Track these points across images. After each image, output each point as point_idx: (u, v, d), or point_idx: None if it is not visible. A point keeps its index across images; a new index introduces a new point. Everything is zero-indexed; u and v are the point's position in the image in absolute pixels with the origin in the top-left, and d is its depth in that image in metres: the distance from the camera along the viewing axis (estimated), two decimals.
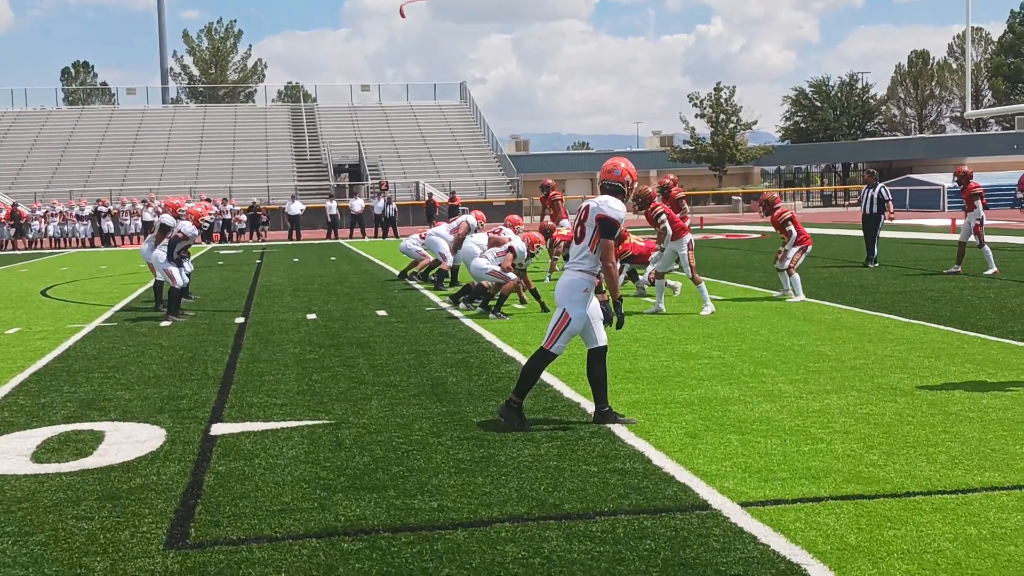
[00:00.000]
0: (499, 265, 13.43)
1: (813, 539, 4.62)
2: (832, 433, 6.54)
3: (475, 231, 16.49)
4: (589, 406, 7.42)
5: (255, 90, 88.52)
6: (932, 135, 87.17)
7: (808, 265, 19.81)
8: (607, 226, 6.80)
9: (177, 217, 14.57)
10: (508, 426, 6.81)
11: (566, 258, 15.33)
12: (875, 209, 20.29)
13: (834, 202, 76.90)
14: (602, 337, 6.92)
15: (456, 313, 13.45)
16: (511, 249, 13.50)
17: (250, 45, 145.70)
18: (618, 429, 6.74)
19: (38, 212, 42.05)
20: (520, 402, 6.90)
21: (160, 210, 39.87)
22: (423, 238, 18.67)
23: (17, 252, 38.27)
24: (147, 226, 42.27)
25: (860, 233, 21.05)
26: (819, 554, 4.43)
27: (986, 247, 17.44)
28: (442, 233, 17.70)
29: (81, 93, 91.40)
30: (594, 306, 6.90)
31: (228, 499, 5.47)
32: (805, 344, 10.10)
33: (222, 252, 33.71)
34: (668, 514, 5.02)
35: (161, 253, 14.11)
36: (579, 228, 6.99)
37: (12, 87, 75.33)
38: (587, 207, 6.97)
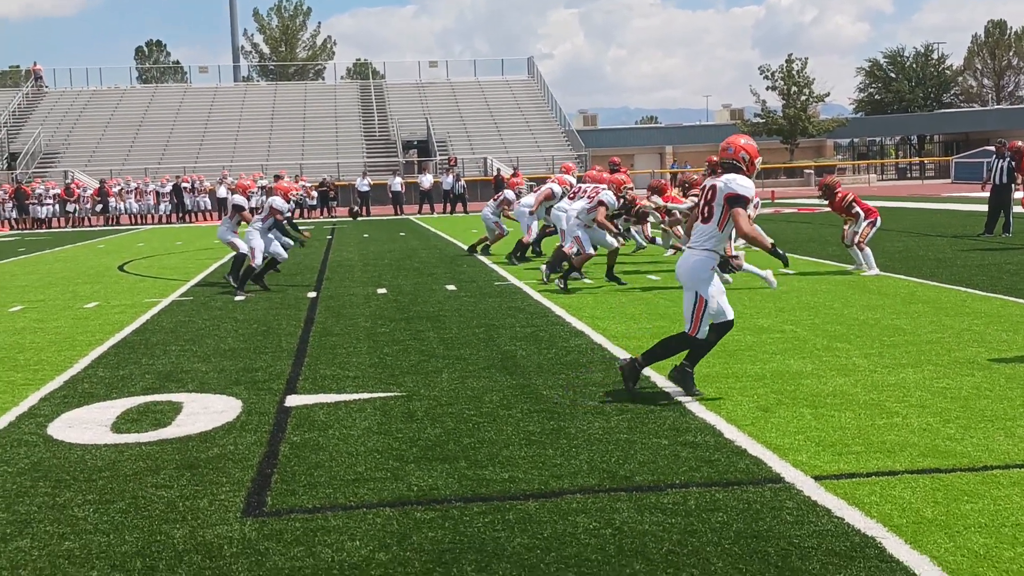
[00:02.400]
0: (594, 220, 13.32)
1: (888, 512, 4.57)
2: (908, 407, 6.46)
3: (560, 198, 16.56)
4: (659, 379, 7.41)
5: (324, 68, 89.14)
6: (1010, 106, 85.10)
7: (882, 238, 19.52)
8: (737, 202, 6.75)
9: (248, 198, 15.26)
10: (685, 391, 6.90)
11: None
12: (1005, 179, 19.87)
13: (909, 175, 75.56)
14: (729, 312, 6.88)
15: (525, 287, 13.46)
16: (601, 203, 13.43)
17: (319, 23, 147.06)
18: (689, 402, 6.72)
19: (114, 189, 42.82)
20: (692, 368, 6.98)
21: (232, 188, 40.41)
22: (507, 207, 18.83)
23: (95, 228, 39.05)
24: (221, 203, 42.97)
25: (933, 206, 20.66)
26: (894, 527, 4.39)
27: None
28: (530, 204, 17.72)
29: (155, 71, 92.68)
30: (717, 282, 6.87)
31: (303, 468, 5.55)
32: (880, 318, 9.96)
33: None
34: (740, 487, 5.00)
35: (253, 231, 14.43)
36: (706, 208, 6.93)
37: (87, 66, 76.72)
38: (713, 187, 6.90)
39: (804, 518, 4.54)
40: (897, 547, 4.18)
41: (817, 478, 5.10)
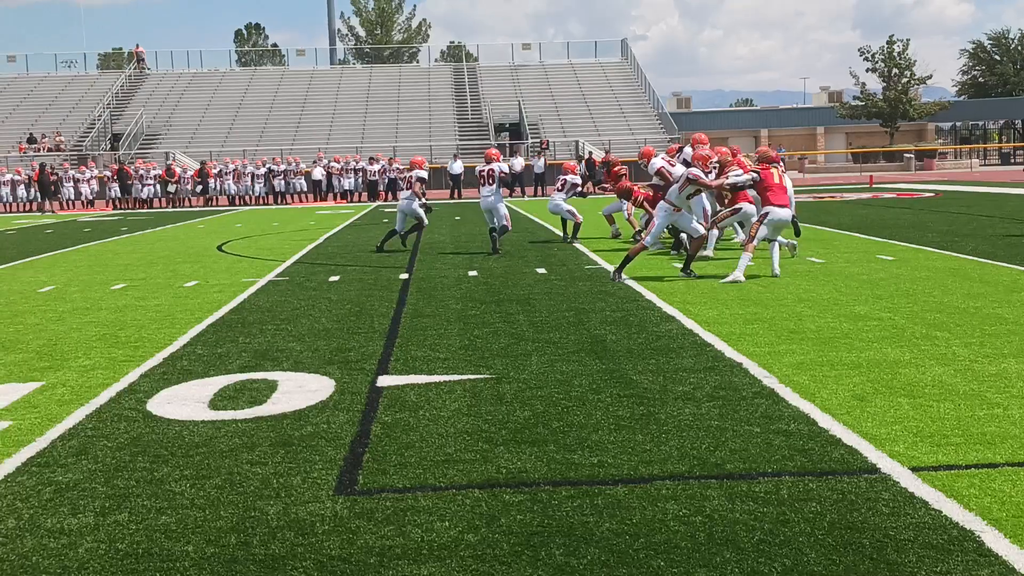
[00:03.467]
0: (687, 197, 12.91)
1: (988, 505, 4.45)
2: (1009, 398, 6.28)
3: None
4: (752, 366, 7.32)
5: (419, 50, 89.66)
6: None
7: (984, 225, 19.03)
8: None
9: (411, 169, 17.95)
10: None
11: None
12: None
13: (1013, 160, 73.41)
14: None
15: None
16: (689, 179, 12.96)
17: (415, 5, 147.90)
18: (782, 390, 6.62)
19: (214, 171, 43.67)
20: None
21: (328, 169, 40.93)
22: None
23: (195, 209, 39.91)
24: (316, 184, 43.53)
25: None
26: (994, 521, 4.27)
27: None
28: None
29: (253, 55, 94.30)
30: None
31: (394, 448, 5.61)
32: (981, 306, 9.70)
33: (387, 210, 34.38)
34: (834, 477, 4.91)
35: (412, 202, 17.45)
36: None
37: (188, 48, 78.32)
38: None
39: (900, 510, 4.44)
40: (996, 541, 4.07)
41: (914, 469, 4.98)
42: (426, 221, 17.88)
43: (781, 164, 13.78)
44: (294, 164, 44.38)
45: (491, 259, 15.80)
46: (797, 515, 4.42)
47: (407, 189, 17.78)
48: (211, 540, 4.35)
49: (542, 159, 41.85)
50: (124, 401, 6.93)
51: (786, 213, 12.51)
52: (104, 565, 4.13)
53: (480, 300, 11.22)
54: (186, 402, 6.84)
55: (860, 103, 66.29)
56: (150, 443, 5.87)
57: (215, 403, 6.79)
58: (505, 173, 17.52)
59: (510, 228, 17.31)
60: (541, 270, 13.97)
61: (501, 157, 19.17)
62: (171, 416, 6.46)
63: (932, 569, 3.83)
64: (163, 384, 7.42)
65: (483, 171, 16.90)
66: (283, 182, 43.64)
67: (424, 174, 17.71)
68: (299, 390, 7.08)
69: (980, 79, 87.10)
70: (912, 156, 61.98)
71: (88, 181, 44.08)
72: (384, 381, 7.29)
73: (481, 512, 4.58)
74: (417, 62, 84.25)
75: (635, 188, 16.96)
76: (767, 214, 12.34)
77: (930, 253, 14.65)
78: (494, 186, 16.78)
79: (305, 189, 44.08)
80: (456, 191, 42.83)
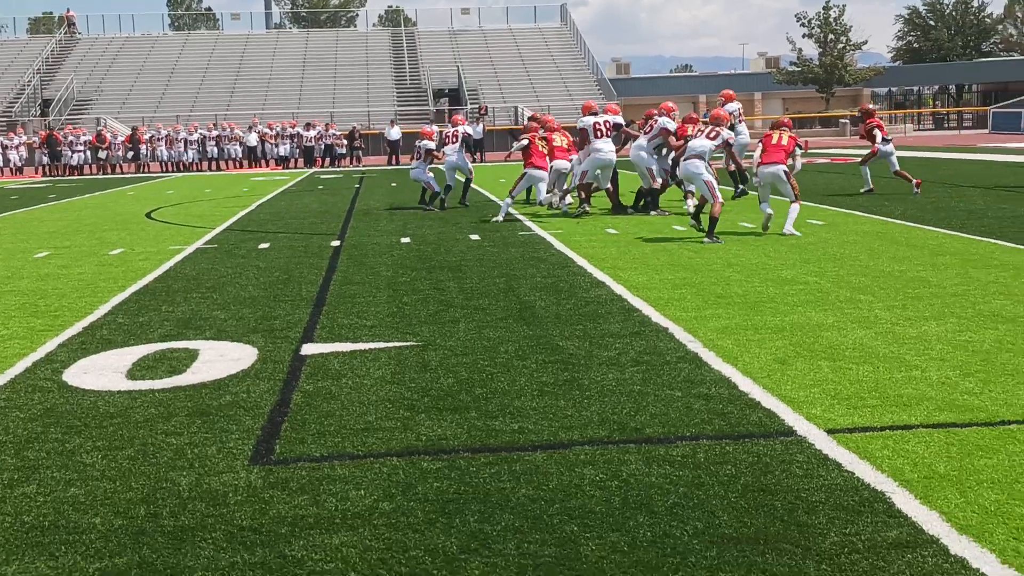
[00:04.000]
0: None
1: (900, 467, 4.50)
2: (928, 360, 6.36)
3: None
4: (678, 331, 7.34)
5: (356, 15, 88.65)
6: None
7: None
8: None
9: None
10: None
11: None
12: None
13: (947, 125, 74.49)
14: None
15: (549, 237, 13.39)
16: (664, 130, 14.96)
17: None
18: (705, 355, 6.65)
19: (145, 136, 42.91)
20: None
21: (263, 135, 40.41)
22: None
23: (126, 176, 39.21)
24: (251, 151, 42.95)
25: (970, 157, 20.34)
26: (905, 482, 4.31)
27: None
28: (644, 146, 16.00)
29: (187, 19, 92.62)
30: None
31: (314, 417, 5.54)
32: (906, 270, 9.82)
33: (323, 177, 34.06)
34: (751, 440, 4.94)
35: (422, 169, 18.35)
36: None
37: (120, 12, 76.70)
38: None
39: (814, 472, 4.48)
40: (906, 502, 4.11)
41: (830, 431, 5.02)
42: (436, 187, 18.51)
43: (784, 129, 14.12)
44: (228, 130, 43.74)
45: (425, 226, 15.70)
46: (712, 478, 4.44)
47: (416, 159, 18.63)
48: (120, 512, 4.27)
49: (480, 125, 41.61)
50: (40, 371, 6.78)
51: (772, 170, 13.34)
52: (8, 538, 4.03)
53: (411, 267, 11.14)
54: (103, 372, 6.70)
55: (796, 69, 66.68)
56: (63, 414, 5.75)
57: (133, 373, 6.67)
58: (469, 135, 19.22)
59: (472, 178, 19.64)
60: (475, 236, 13.91)
61: (466, 123, 21.38)
62: (87, 386, 6.33)
63: (841, 531, 3.86)
64: (81, 354, 7.27)
65: (449, 133, 18.78)
66: (217, 148, 43.01)
67: (432, 144, 18.48)
68: (220, 359, 6.97)
69: (915, 45, 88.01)
70: (847, 121, 62.58)
71: (17, 148, 43.08)
72: (308, 349, 7.21)
73: (398, 480, 4.54)
74: (355, 26, 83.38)
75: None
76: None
77: (859, 217, 14.80)
78: (457, 144, 18.52)
79: (240, 156, 43.48)
80: (394, 157, 42.49)
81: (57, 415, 5.73)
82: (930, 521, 3.93)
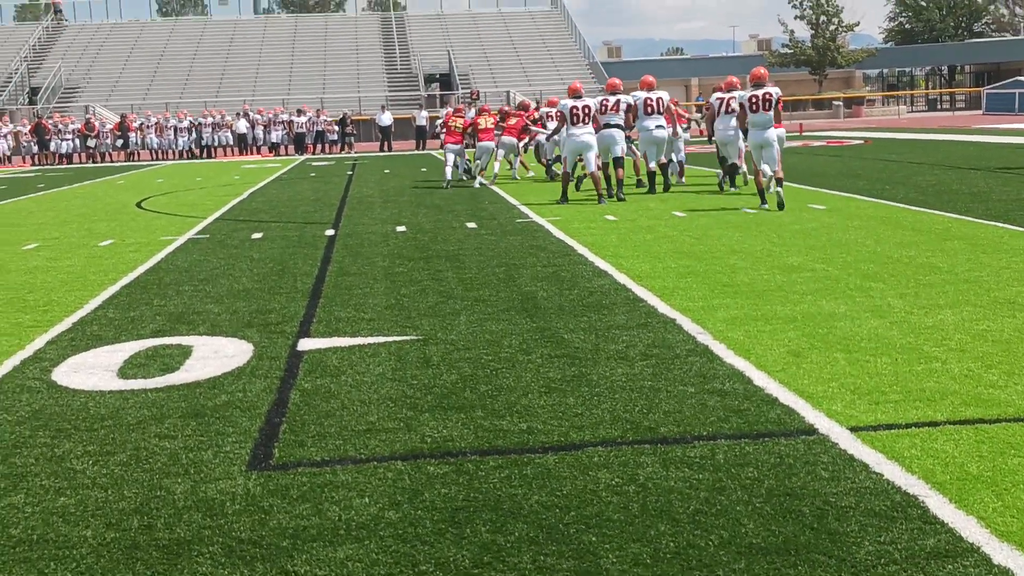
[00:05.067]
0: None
1: (931, 468, 4.28)
2: (947, 351, 6.14)
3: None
4: (686, 322, 7.13)
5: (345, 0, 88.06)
6: None
7: (914, 172, 19.08)
8: None
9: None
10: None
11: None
12: None
13: (939, 106, 74.30)
14: None
15: (548, 225, 13.16)
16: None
17: None
18: (717, 347, 6.43)
19: (135, 124, 42.53)
20: None
21: (257, 121, 40.14)
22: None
23: (115, 164, 38.85)
24: (241, 138, 42.57)
25: (965, 138, 20.15)
26: (937, 484, 4.10)
27: None
28: (732, 125, 15.85)
29: (174, 4, 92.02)
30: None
31: (313, 418, 5.32)
32: (915, 256, 9.61)
33: (315, 164, 33.76)
34: (772, 439, 4.72)
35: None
36: None
37: None
38: None
39: (840, 474, 4.26)
40: (941, 506, 3.90)
41: (853, 429, 4.81)
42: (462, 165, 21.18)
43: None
44: (218, 117, 43.37)
45: (420, 214, 15.46)
46: (734, 482, 4.23)
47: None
48: (112, 524, 4.04)
49: (472, 110, 41.29)
50: (28, 370, 6.54)
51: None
52: None
53: (408, 257, 10.91)
54: (94, 371, 6.47)
55: (788, 51, 66.44)
56: (53, 416, 5.52)
57: (124, 371, 6.43)
58: (469, 123, 20.83)
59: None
60: (471, 224, 13.67)
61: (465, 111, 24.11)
62: (77, 386, 6.10)
63: (876, 539, 3.65)
64: (71, 351, 7.04)
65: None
66: (207, 135, 42.65)
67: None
68: (214, 356, 6.74)
69: (907, 26, 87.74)
70: (840, 104, 62.35)
71: (4, 137, 42.66)
72: (305, 344, 6.98)
73: (403, 486, 4.32)
74: (344, 11, 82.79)
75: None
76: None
77: (861, 202, 14.59)
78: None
79: (231, 142, 43.13)
80: (386, 143, 42.17)
81: (46, 417, 5.50)
82: (968, 527, 3.72)
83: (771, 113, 13.93)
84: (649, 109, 16.44)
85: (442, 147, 21.80)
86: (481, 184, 19.97)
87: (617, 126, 16.09)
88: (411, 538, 3.82)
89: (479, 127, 20.38)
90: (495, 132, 20.59)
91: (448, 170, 20.12)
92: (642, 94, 16.54)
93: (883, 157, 18.86)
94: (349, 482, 4.39)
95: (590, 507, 4.04)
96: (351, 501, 4.18)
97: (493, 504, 4.10)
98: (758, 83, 14.07)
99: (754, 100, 13.97)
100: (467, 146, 21.14)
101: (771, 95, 13.94)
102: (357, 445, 4.86)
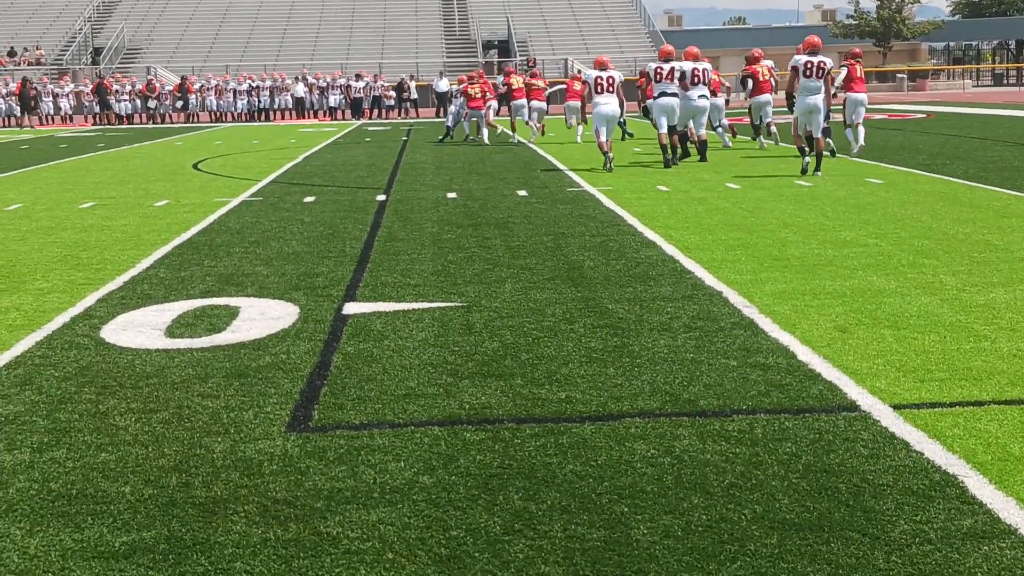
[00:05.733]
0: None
1: (972, 447, 4.22)
2: (997, 330, 6.03)
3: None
4: (732, 295, 7.06)
5: None
6: None
7: (975, 147, 18.72)
8: None
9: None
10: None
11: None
12: None
13: (1006, 81, 72.72)
14: None
15: (599, 194, 13.10)
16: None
17: None
18: (762, 321, 6.36)
19: (195, 86, 42.91)
20: None
21: (315, 85, 40.34)
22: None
23: (175, 125, 39.26)
24: (299, 102, 42.79)
25: None
26: (978, 464, 4.04)
27: None
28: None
29: None
30: None
31: (354, 381, 5.35)
32: (971, 232, 9.43)
33: (370, 128, 33.86)
34: (812, 415, 4.67)
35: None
36: None
37: None
38: None
39: (880, 452, 4.21)
40: (980, 487, 3.84)
41: (896, 407, 4.74)
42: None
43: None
44: (279, 80, 43.61)
45: (472, 180, 15.45)
46: (771, 456, 4.19)
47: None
48: (151, 480, 4.10)
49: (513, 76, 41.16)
50: (78, 327, 6.64)
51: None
52: (34, 507, 3.88)
53: (457, 224, 10.91)
54: (142, 329, 6.55)
55: (853, 22, 65.36)
56: (99, 373, 5.60)
57: (172, 330, 6.51)
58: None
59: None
60: (522, 192, 13.64)
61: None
62: (124, 344, 6.18)
63: (911, 518, 3.60)
64: (120, 309, 7.13)
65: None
66: (267, 98, 42.91)
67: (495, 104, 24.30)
68: (261, 317, 6.80)
69: None
70: (904, 76, 61.26)
71: (67, 96, 43.26)
72: (350, 308, 7.01)
73: (439, 452, 4.34)
74: None
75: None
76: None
77: (919, 176, 14.35)
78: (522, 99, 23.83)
79: (290, 106, 43.37)
80: (442, 109, 42.13)
81: (92, 374, 5.58)
82: (1007, 509, 3.66)
83: (821, 81, 14.47)
84: (695, 79, 16.63)
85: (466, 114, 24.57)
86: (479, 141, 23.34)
87: (673, 94, 16.08)
88: (443, 503, 3.83)
89: (512, 87, 23.73)
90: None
91: (482, 130, 23.41)
92: (688, 64, 16.63)
93: (945, 131, 18.49)
94: (386, 446, 4.41)
95: (624, 478, 4.02)
96: (386, 465, 4.20)
97: (527, 472, 4.10)
98: (813, 51, 14.56)
99: (808, 66, 14.48)
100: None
101: (824, 63, 14.51)
102: (396, 410, 4.88)
